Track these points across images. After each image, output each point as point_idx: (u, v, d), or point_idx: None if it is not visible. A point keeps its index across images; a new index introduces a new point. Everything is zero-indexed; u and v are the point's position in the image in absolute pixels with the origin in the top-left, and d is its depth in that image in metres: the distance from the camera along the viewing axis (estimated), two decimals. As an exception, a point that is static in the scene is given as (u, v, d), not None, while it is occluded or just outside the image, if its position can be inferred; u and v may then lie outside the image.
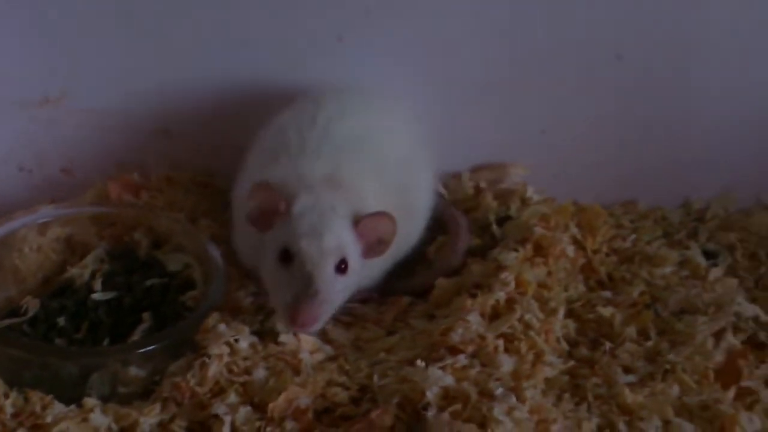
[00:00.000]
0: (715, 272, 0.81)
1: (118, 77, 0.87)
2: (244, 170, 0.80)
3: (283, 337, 0.69)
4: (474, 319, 0.70)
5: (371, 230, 0.70)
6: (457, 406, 0.61)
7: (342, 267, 0.68)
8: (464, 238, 0.82)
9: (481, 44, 0.88)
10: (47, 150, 0.90)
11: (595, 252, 0.83)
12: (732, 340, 0.72)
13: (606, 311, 0.76)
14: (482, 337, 0.69)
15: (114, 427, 0.63)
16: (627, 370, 0.70)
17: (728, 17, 0.88)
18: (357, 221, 0.70)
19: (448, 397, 0.63)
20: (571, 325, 0.75)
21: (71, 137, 0.89)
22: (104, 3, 0.84)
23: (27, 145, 0.89)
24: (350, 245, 0.69)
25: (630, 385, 0.67)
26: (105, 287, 0.75)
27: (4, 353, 0.66)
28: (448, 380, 0.64)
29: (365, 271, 0.73)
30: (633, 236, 0.87)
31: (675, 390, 0.67)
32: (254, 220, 0.70)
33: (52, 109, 0.88)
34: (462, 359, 0.66)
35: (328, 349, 0.70)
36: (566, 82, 0.89)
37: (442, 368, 0.65)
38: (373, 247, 0.71)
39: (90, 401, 0.65)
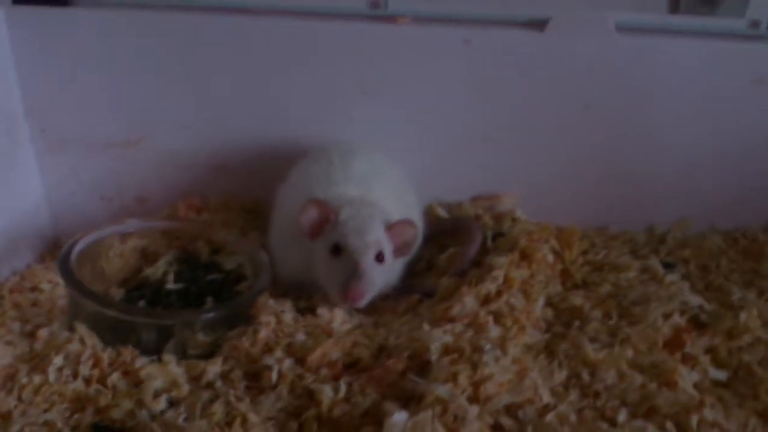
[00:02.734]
0: (671, 277, 0.98)
1: (185, 125, 1.09)
2: (282, 202, 1.00)
3: (320, 311, 0.87)
4: (469, 301, 0.88)
5: (399, 234, 0.91)
6: (455, 356, 0.79)
7: (380, 258, 0.88)
8: (475, 248, 1.00)
9: (473, 105, 1.09)
10: (125, 182, 1.10)
11: (571, 262, 1.01)
12: (678, 319, 0.88)
13: (577, 300, 0.93)
14: (476, 313, 0.86)
15: (186, 375, 0.80)
16: (592, 340, 0.86)
17: (687, 70, 1.07)
18: (389, 227, 0.90)
19: (448, 351, 0.79)
20: (549, 312, 0.92)
21: (146, 172, 1.10)
22: (175, 66, 1.06)
23: (109, 178, 1.10)
24: (385, 242, 0.90)
25: (594, 350, 0.84)
26: (175, 281, 0.94)
27: (102, 315, 0.83)
28: (448, 339, 0.81)
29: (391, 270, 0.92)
30: (604, 251, 1.05)
31: (630, 353, 0.83)
32: (308, 229, 0.90)
33: (131, 150, 1.09)
34: (459, 326, 0.84)
35: (355, 321, 0.88)
36: (545, 129, 1.10)
37: (444, 331, 0.82)
38: (400, 248, 0.92)
39: (168, 356, 0.82)
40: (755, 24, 1.08)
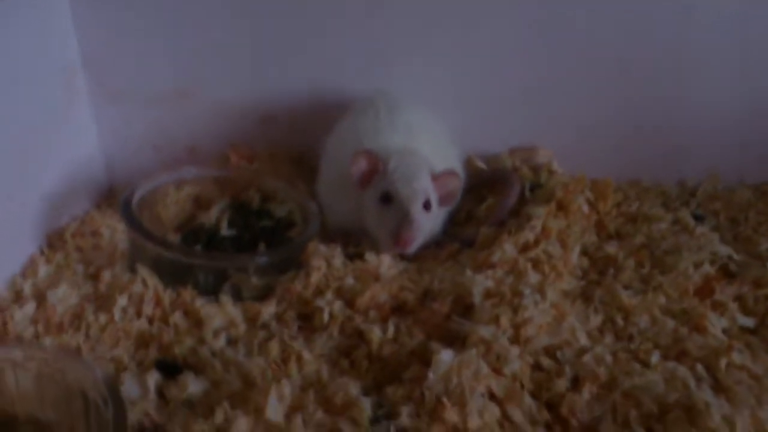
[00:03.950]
0: (701, 228, 1.02)
1: (234, 77, 1.12)
2: (330, 152, 1.04)
3: (367, 256, 0.91)
4: (509, 248, 0.92)
5: (444, 184, 0.95)
6: (496, 299, 0.83)
7: (427, 206, 0.92)
8: (513, 198, 1.04)
9: (513, 61, 1.12)
10: (176, 132, 1.14)
11: (605, 213, 1.05)
12: (708, 268, 0.92)
13: (611, 249, 0.97)
14: (515, 260, 0.91)
15: (242, 315, 0.86)
16: (626, 287, 0.90)
17: (719, 25, 1.08)
18: (434, 177, 0.94)
19: (489, 295, 0.84)
20: (585, 260, 0.96)
21: (196, 122, 1.14)
22: (226, 18, 1.08)
23: (160, 128, 1.14)
24: (431, 191, 0.94)
25: (627, 297, 0.88)
26: (228, 228, 0.98)
27: (162, 258, 0.88)
28: (489, 283, 0.85)
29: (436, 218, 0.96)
30: (637, 203, 1.09)
31: (661, 299, 0.87)
32: (358, 179, 0.94)
33: (182, 101, 1.12)
34: (499, 272, 0.88)
35: (401, 266, 0.92)
36: (580, 83, 1.12)
37: (485, 277, 0.87)
38: (444, 198, 0.96)
39: (225, 297, 0.87)
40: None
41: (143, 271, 0.87)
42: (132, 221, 0.89)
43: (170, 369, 0.77)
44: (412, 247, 0.92)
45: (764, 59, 1.11)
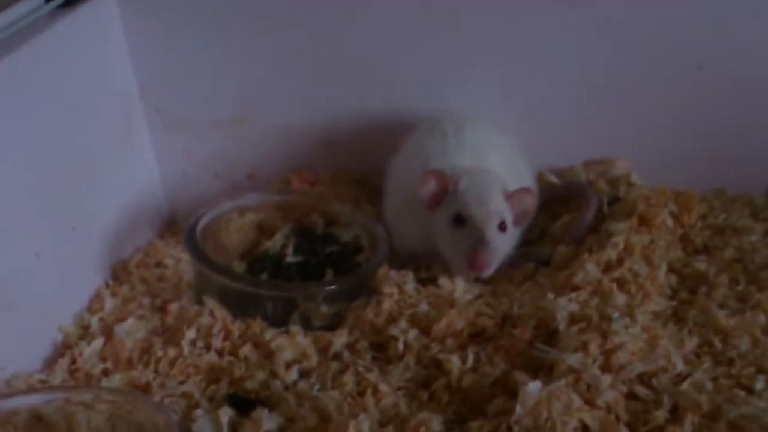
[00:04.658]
0: (796, 240, 0.96)
1: (293, 100, 1.10)
2: (396, 174, 1.01)
3: (441, 281, 0.87)
4: (591, 268, 0.87)
5: (518, 202, 0.91)
6: (582, 324, 0.78)
7: (502, 226, 0.88)
8: (591, 214, 0.98)
9: (580, 69, 1.07)
10: (236, 159, 1.12)
11: (690, 226, 0.99)
12: (809, 283, 0.86)
13: (701, 265, 0.91)
14: (599, 281, 0.85)
15: (313, 346, 0.82)
16: (721, 306, 0.84)
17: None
18: (508, 195, 0.90)
19: (574, 320, 0.79)
20: (673, 278, 0.90)
21: (255, 148, 1.11)
22: (282, 41, 1.06)
23: (220, 155, 1.12)
24: (506, 211, 0.89)
25: (724, 316, 0.82)
26: (294, 254, 0.95)
27: (229, 288, 0.85)
28: (573, 307, 0.80)
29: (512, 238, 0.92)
30: (723, 214, 1.02)
31: (762, 318, 0.81)
32: (428, 200, 0.90)
33: (240, 126, 1.10)
34: (583, 294, 0.83)
35: (476, 291, 0.88)
36: (657, 89, 1.06)
37: (568, 300, 0.82)
38: (519, 217, 0.91)
39: (295, 327, 0.83)
40: None
41: (210, 303, 0.85)
42: (196, 252, 0.87)
43: (243, 404, 0.73)
44: (489, 271, 0.87)
45: None
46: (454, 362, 0.76)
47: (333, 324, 0.85)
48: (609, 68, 1.06)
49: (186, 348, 0.80)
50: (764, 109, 1.06)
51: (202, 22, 1.05)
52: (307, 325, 0.85)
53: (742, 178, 1.08)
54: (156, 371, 0.78)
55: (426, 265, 0.93)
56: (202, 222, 0.92)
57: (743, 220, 1.01)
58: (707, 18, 1.02)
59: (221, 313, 0.84)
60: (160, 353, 0.80)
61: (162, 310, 0.87)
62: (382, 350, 0.81)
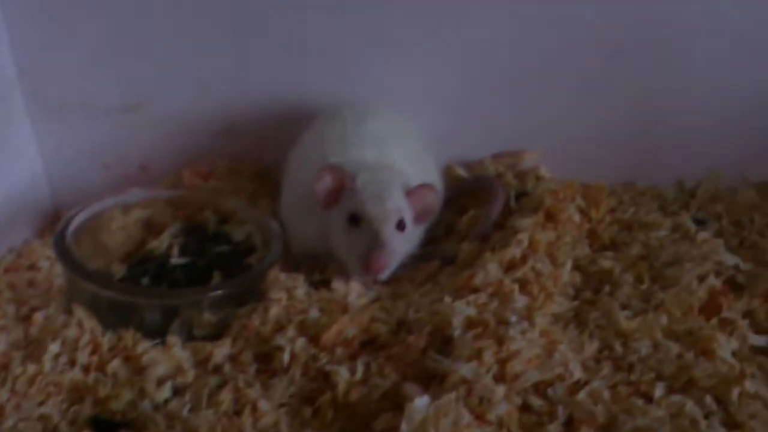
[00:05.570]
0: (703, 234, 0.92)
1: (190, 86, 1.02)
2: (294, 168, 0.94)
3: (335, 284, 0.82)
4: (493, 268, 0.83)
5: (420, 200, 0.86)
6: (478, 330, 0.74)
7: (400, 226, 0.83)
8: (497, 209, 0.94)
9: (492, 57, 1.02)
10: (127, 149, 1.04)
11: (598, 221, 0.95)
12: (714, 281, 0.82)
13: (607, 263, 0.88)
14: (500, 281, 0.81)
15: (192, 359, 0.75)
16: (624, 307, 0.81)
17: (717, 13, 0.99)
18: (408, 192, 0.85)
19: (471, 324, 0.75)
20: (578, 276, 0.87)
21: (148, 137, 1.04)
22: (177, 23, 0.99)
23: (110, 145, 1.04)
24: (405, 209, 0.84)
25: (626, 318, 0.79)
26: (180, 255, 0.89)
27: (101, 297, 0.78)
28: (471, 311, 0.76)
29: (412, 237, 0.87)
30: (632, 209, 0.99)
31: (664, 320, 0.78)
32: (323, 198, 0.85)
33: (132, 115, 1.03)
34: (483, 297, 0.79)
35: (372, 294, 0.82)
36: (568, 79, 1.03)
37: (466, 303, 0.77)
38: (420, 215, 0.86)
39: (172, 338, 0.77)
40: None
41: (79, 312, 0.78)
42: (65, 256, 0.79)
43: (106, 427, 0.67)
44: (385, 273, 0.82)
45: (766, 47, 1.02)
46: (342, 374, 0.71)
47: (217, 332, 0.79)
48: (520, 59, 1.02)
49: (48, 364, 0.73)
50: (675, 101, 1.04)
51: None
52: (190, 334, 0.79)
53: (653, 171, 1.06)
54: (13, 390, 0.70)
55: (322, 266, 0.88)
56: (77, 220, 0.85)
57: (652, 214, 0.98)
58: (617, 8, 0.99)
59: (90, 324, 0.77)
60: (18, 370, 0.72)
61: (27, 319, 0.79)
62: (267, 361, 0.76)
